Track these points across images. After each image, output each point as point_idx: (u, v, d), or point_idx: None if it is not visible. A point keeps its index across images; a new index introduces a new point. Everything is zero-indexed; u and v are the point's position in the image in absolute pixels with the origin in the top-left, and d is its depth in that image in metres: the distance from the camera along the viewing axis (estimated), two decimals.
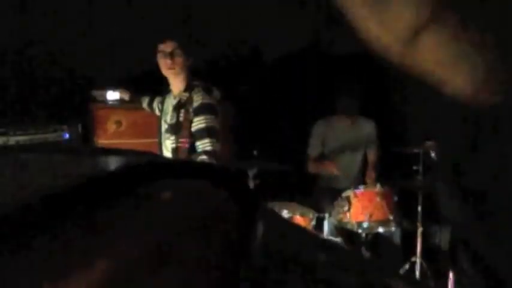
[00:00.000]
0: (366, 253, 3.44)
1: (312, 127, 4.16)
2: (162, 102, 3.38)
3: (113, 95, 3.80)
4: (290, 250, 0.41)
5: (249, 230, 0.37)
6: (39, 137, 3.52)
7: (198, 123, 3.05)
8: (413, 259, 3.55)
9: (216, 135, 3.06)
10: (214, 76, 3.87)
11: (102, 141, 3.70)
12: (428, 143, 3.50)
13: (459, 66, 0.83)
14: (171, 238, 0.32)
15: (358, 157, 4.12)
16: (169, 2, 4.16)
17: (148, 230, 0.31)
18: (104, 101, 3.81)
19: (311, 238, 0.44)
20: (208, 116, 3.06)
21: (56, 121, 3.64)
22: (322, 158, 4.13)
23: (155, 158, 0.37)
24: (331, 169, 3.91)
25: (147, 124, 3.67)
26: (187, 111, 3.11)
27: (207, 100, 3.09)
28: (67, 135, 3.61)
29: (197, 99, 3.10)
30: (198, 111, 3.07)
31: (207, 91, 3.15)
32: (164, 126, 3.25)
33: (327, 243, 0.50)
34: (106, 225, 0.30)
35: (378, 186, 3.53)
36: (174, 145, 3.18)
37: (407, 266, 3.54)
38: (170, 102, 3.26)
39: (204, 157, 3.00)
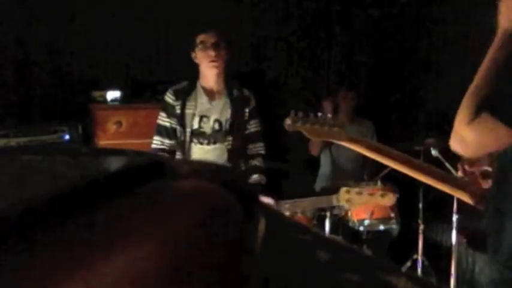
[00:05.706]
0: (367, 251, 3.44)
1: None
2: (185, 100, 2.89)
3: (112, 95, 3.79)
4: (292, 248, 0.41)
5: (250, 229, 0.37)
6: (40, 138, 3.51)
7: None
8: (414, 256, 3.54)
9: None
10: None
11: (103, 141, 3.69)
12: (429, 140, 3.48)
13: None
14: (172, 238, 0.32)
15: (358, 155, 4.10)
16: (170, 2, 4.16)
17: (149, 230, 0.31)
18: (104, 102, 3.79)
19: (313, 236, 0.44)
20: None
21: (57, 122, 3.63)
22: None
23: (156, 158, 0.37)
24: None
25: (147, 124, 3.66)
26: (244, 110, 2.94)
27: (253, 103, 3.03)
28: (67, 136, 3.60)
29: (252, 99, 2.97)
30: (254, 113, 2.98)
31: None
32: (210, 127, 2.87)
33: (328, 241, 0.50)
34: (107, 226, 0.30)
35: (379, 183, 3.52)
36: (229, 147, 2.95)
37: (409, 264, 3.53)
38: (203, 99, 2.88)
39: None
